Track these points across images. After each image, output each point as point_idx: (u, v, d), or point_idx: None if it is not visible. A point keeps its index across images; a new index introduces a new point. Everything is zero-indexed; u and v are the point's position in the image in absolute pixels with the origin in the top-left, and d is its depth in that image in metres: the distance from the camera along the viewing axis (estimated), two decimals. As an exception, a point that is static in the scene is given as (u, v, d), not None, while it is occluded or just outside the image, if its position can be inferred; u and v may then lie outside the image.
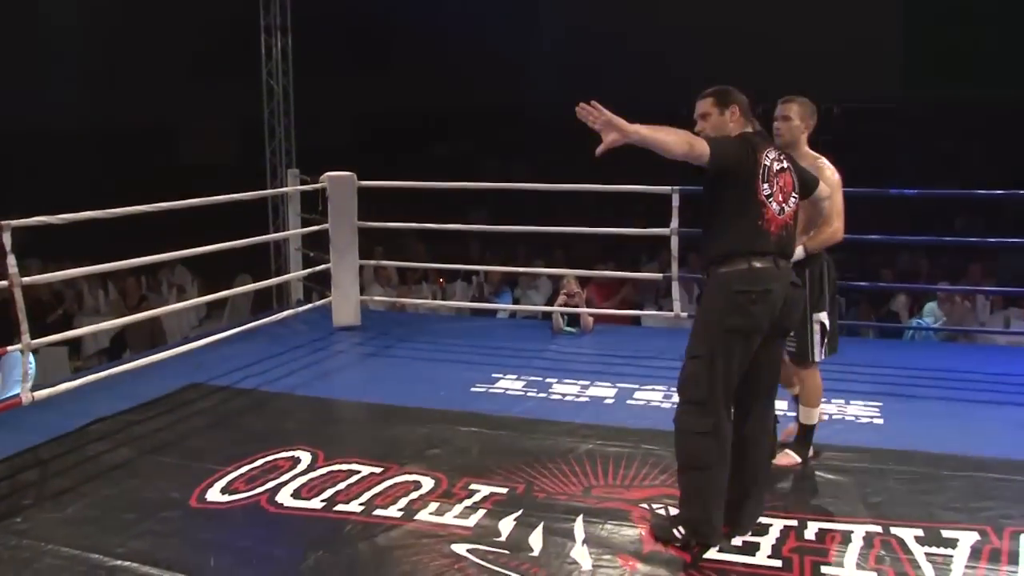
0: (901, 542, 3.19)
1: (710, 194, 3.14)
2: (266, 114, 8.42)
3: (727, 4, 13.27)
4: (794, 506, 3.49)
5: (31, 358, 5.58)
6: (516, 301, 8.67)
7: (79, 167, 13.24)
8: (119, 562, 3.10)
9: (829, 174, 3.72)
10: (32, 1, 12.95)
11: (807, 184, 3.36)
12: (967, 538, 3.21)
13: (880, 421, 4.52)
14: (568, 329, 6.43)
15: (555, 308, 6.49)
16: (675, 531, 3.11)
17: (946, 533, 3.25)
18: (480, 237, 10.53)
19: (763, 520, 3.30)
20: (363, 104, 15.27)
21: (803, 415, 3.91)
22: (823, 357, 3.85)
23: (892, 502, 3.52)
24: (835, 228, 3.75)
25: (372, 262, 6.84)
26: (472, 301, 8.66)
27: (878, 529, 3.28)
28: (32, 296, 7.82)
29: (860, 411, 4.64)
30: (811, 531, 3.27)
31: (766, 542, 3.17)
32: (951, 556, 3.09)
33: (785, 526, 3.29)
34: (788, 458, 3.87)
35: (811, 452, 3.92)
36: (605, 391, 5.00)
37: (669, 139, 2.88)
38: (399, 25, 14.96)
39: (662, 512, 3.31)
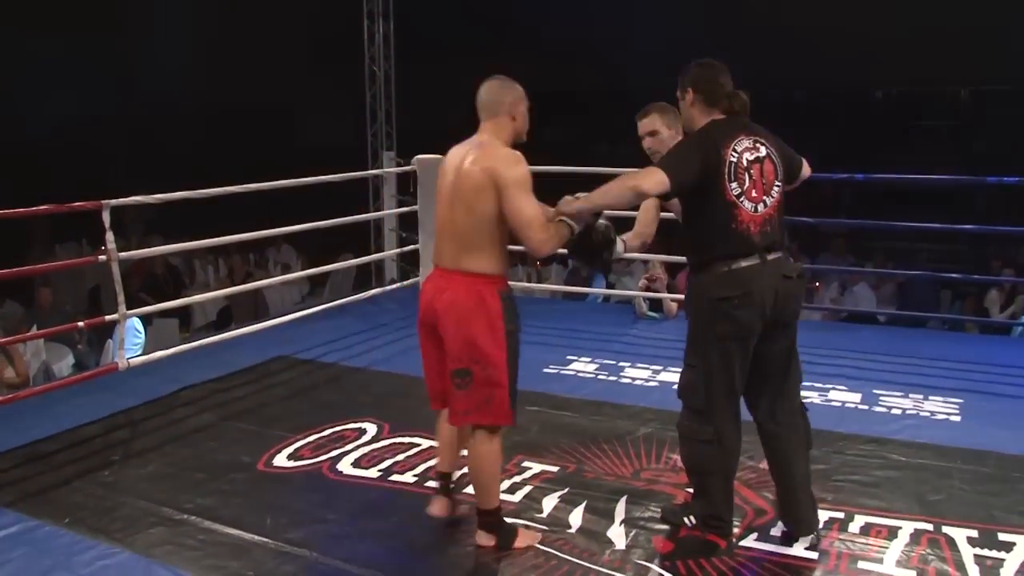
0: (951, 541, 3.10)
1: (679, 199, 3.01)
2: (368, 98, 8.69)
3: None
4: (844, 499, 3.42)
5: (138, 327, 6.03)
6: (611, 286, 8.69)
7: (199, 148, 13.95)
8: (185, 516, 3.34)
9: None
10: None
11: (792, 167, 3.11)
12: (1025, 542, 3.10)
13: (957, 418, 4.36)
14: (651, 314, 6.42)
15: (636, 293, 6.49)
16: (685, 518, 3.13)
17: (1003, 536, 3.14)
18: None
19: (806, 511, 3.27)
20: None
21: None
22: None
23: (951, 501, 3.41)
24: None
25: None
26: (566, 285, 8.73)
27: (929, 527, 3.20)
28: (148, 271, 8.36)
29: (937, 407, 4.49)
30: (856, 525, 3.22)
31: (805, 533, 3.14)
32: (1003, 560, 2.99)
33: (830, 518, 3.25)
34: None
35: None
36: (676, 376, 4.96)
37: (612, 197, 2.87)
38: (511, 9, 15.08)
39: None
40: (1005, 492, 3.50)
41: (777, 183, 2.96)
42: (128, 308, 4.66)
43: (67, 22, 12.79)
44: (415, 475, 3.69)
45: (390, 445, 4.00)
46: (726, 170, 2.85)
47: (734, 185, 2.86)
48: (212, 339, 5.57)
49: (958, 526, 3.20)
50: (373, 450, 3.95)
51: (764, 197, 2.91)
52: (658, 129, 3.40)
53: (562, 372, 5.12)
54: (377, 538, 3.19)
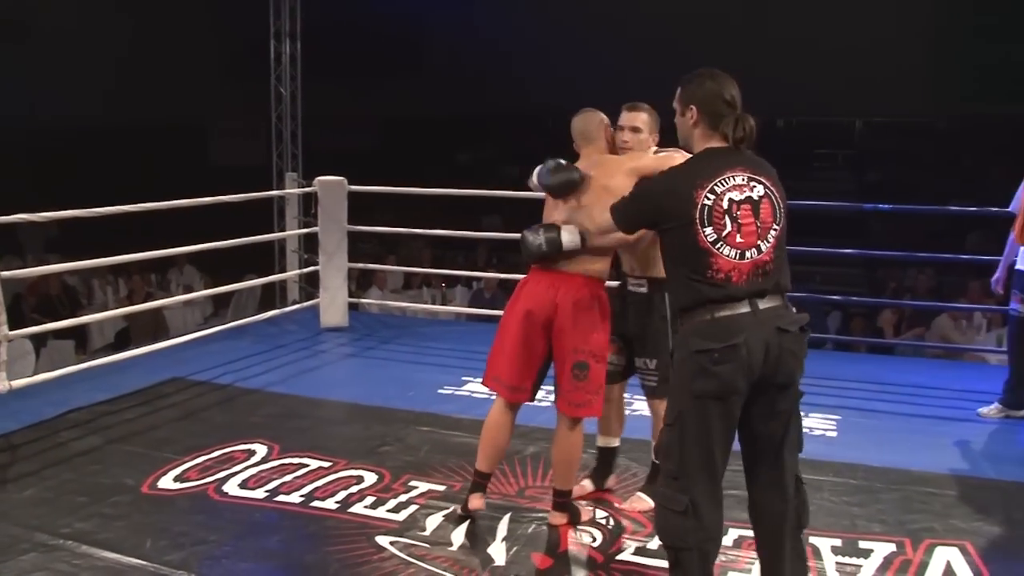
0: (816, 551, 3.25)
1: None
2: (274, 118, 8.65)
3: (750, 7, 13.32)
4: (718, 512, 3.54)
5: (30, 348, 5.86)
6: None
7: (109, 166, 13.65)
8: (61, 541, 3.26)
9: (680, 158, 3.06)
10: (65, 10, 13.47)
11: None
12: (882, 549, 3.28)
13: (834, 434, 4.56)
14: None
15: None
16: None
17: (863, 544, 3.32)
18: (488, 243, 10.66)
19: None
20: (390, 110, 15.57)
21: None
22: None
23: (819, 512, 3.55)
24: None
25: (360, 265, 7.01)
26: (471, 306, 8.78)
27: (796, 537, 3.34)
28: (42, 292, 8.14)
29: (816, 423, 4.68)
30: (730, 538, 3.33)
31: (678, 545, 3.24)
32: (860, 566, 3.16)
33: (703, 531, 3.36)
34: (643, 502, 3.59)
35: None
36: (569, 397, 5.08)
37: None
38: (425, 33, 15.24)
39: None
40: (869, 502, 3.69)
41: (775, 226, 2.57)
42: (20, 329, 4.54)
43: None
44: (302, 495, 3.68)
45: (279, 466, 3.99)
46: (697, 215, 2.51)
47: (709, 231, 2.51)
48: (104, 360, 5.44)
49: (824, 536, 3.36)
50: (262, 471, 3.93)
51: (758, 242, 2.53)
52: (641, 127, 3.35)
53: (456, 393, 5.17)
54: (258, 558, 3.19)
